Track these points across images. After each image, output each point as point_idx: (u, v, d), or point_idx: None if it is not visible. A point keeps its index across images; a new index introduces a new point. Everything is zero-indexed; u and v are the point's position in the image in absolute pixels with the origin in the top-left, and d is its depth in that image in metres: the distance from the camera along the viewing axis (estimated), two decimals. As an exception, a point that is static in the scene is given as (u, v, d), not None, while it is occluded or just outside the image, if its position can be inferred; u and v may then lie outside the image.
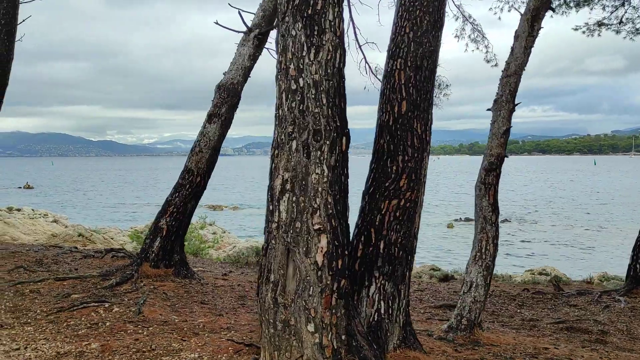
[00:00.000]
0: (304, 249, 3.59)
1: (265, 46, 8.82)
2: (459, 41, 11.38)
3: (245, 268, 11.44)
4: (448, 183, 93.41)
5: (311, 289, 3.55)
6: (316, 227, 3.59)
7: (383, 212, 4.30)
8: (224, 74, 8.59)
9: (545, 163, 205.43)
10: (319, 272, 3.56)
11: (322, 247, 3.58)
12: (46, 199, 56.16)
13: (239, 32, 8.88)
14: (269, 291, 3.66)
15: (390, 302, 4.22)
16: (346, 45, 4.52)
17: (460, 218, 42.41)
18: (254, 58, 8.66)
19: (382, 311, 4.20)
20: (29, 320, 5.49)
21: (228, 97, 8.38)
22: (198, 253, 15.30)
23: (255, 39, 8.60)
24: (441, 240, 32.62)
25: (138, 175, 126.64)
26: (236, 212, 47.77)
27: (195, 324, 5.47)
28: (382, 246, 4.26)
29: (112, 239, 21.29)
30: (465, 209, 48.71)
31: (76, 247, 13.98)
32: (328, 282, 3.56)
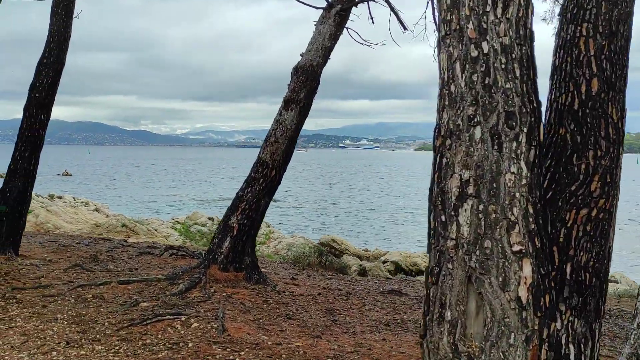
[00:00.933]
0: (499, 279, 2.59)
1: (346, 25, 7.84)
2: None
3: (308, 270, 10.52)
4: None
5: (512, 336, 2.55)
6: (515, 248, 2.59)
7: (569, 225, 3.26)
8: (301, 55, 7.64)
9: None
10: (523, 313, 2.56)
11: (525, 277, 2.58)
12: (85, 188, 56.55)
13: (317, 8, 7.92)
14: (445, 334, 2.67)
15: (582, 345, 3.20)
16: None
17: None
18: (334, 37, 7.69)
19: (572, 358, 3.19)
20: (98, 336, 4.65)
21: (307, 80, 7.42)
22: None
23: (336, 15, 7.61)
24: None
25: (169, 164, 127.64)
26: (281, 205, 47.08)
27: (292, 349, 4.54)
28: (568, 270, 3.23)
29: (155, 230, 20.72)
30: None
31: (125, 241, 13.32)
32: (535, 327, 2.56)
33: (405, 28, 8.60)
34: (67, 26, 7.99)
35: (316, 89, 7.58)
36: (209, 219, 25.09)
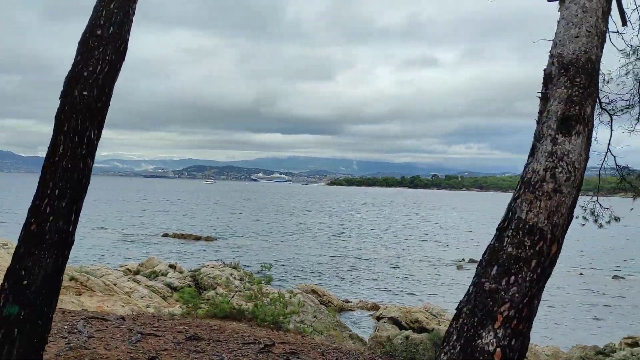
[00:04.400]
0: None
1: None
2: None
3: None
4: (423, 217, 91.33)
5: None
6: None
7: None
8: (556, 43, 4.58)
9: (503, 200, 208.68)
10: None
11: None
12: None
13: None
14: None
15: None
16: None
17: (463, 259, 39.15)
18: (606, 18, 4.75)
19: None
20: None
21: (589, 85, 4.34)
22: (280, 324, 10.88)
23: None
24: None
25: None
26: (217, 244, 42.47)
27: None
28: None
29: (114, 284, 16.22)
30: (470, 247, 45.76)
31: (123, 318, 9.21)
32: None
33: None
34: None
35: (596, 96, 4.52)
36: (170, 266, 20.79)
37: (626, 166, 9.24)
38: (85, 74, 4.13)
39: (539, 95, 4.51)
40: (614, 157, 8.64)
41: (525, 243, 3.97)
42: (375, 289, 27.72)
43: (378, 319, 20.68)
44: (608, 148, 8.44)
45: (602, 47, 4.56)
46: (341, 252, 41.03)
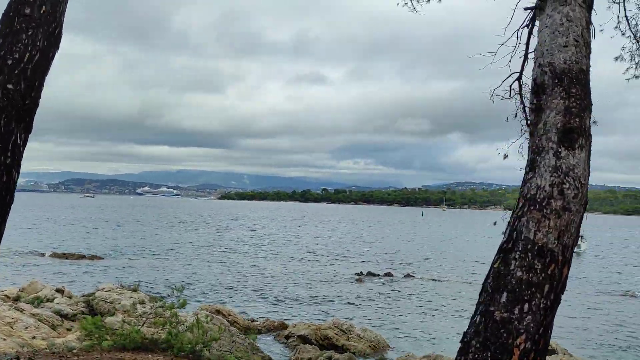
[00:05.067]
0: None
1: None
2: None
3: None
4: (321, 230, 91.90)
5: None
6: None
7: None
8: (540, 52, 4.38)
9: (388, 213, 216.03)
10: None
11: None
12: None
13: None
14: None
15: None
16: None
17: (361, 272, 39.64)
18: (589, 29, 4.65)
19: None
20: None
21: (584, 95, 4.17)
22: (199, 353, 9.97)
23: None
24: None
25: None
26: (104, 264, 39.28)
27: None
28: None
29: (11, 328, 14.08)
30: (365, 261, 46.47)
31: (18, 358, 7.74)
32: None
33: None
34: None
35: (590, 107, 4.34)
36: (58, 290, 18.72)
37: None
38: (9, 62, 3.16)
39: (531, 106, 4.25)
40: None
41: (536, 266, 3.62)
42: (279, 306, 27.04)
43: (287, 337, 19.99)
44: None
45: (589, 58, 4.41)
46: (238, 269, 39.87)
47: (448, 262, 49.65)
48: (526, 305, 3.54)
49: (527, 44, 8.08)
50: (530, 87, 4.30)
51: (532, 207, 3.78)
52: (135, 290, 16.47)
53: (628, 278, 43.09)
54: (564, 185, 3.75)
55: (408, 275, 38.72)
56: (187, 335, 10.34)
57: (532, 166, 3.97)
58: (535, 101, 4.18)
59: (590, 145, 4.02)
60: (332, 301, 28.39)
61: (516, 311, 3.54)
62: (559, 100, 4.03)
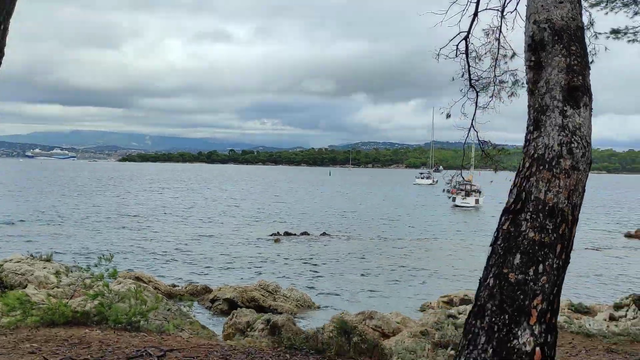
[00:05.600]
0: None
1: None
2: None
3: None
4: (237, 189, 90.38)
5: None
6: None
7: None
8: (535, 7, 4.30)
9: (297, 173, 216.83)
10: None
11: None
12: None
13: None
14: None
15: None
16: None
17: (278, 232, 39.69)
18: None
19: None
20: None
21: (584, 53, 4.13)
22: (136, 324, 9.40)
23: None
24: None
25: None
26: (3, 232, 36.16)
27: None
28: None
29: None
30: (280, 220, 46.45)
31: None
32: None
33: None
34: None
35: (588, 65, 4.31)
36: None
37: (488, 141, 9.68)
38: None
39: (529, 63, 4.15)
40: (477, 132, 9.05)
41: (548, 227, 3.58)
42: (199, 270, 26.44)
43: (212, 301, 19.61)
44: (472, 124, 8.80)
45: (582, 15, 4.37)
46: (150, 234, 38.41)
47: (358, 220, 51.00)
48: (540, 266, 3.51)
49: (477, 3, 8.03)
50: (525, 44, 4.18)
51: (541, 167, 3.72)
52: (48, 260, 15.24)
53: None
54: (572, 145, 3.72)
55: (324, 234, 39.33)
56: (122, 306, 9.69)
57: (536, 125, 3.89)
58: (533, 58, 4.08)
59: (591, 102, 4.01)
60: (252, 263, 28.18)
61: (531, 272, 3.50)
62: (560, 58, 3.96)
